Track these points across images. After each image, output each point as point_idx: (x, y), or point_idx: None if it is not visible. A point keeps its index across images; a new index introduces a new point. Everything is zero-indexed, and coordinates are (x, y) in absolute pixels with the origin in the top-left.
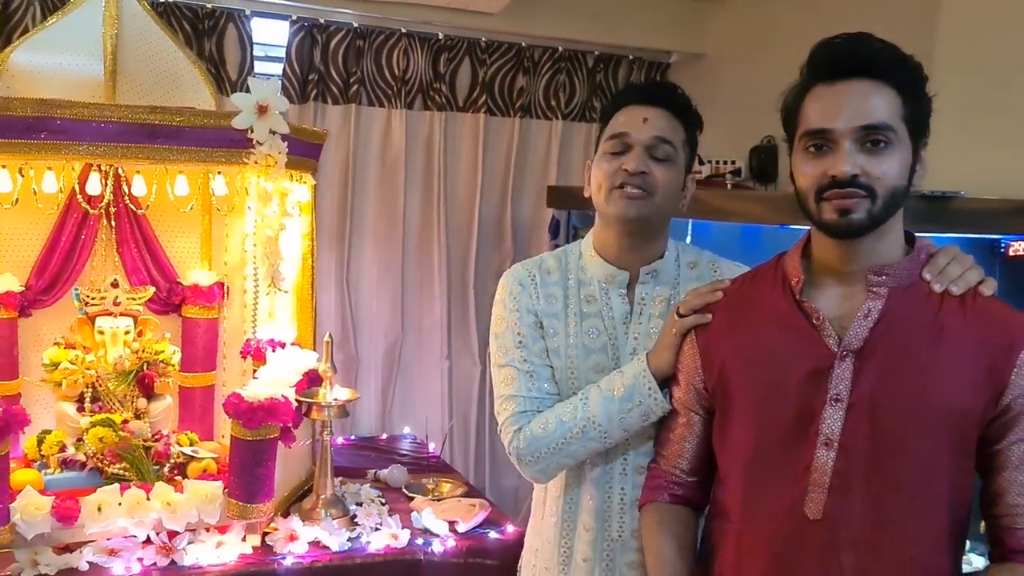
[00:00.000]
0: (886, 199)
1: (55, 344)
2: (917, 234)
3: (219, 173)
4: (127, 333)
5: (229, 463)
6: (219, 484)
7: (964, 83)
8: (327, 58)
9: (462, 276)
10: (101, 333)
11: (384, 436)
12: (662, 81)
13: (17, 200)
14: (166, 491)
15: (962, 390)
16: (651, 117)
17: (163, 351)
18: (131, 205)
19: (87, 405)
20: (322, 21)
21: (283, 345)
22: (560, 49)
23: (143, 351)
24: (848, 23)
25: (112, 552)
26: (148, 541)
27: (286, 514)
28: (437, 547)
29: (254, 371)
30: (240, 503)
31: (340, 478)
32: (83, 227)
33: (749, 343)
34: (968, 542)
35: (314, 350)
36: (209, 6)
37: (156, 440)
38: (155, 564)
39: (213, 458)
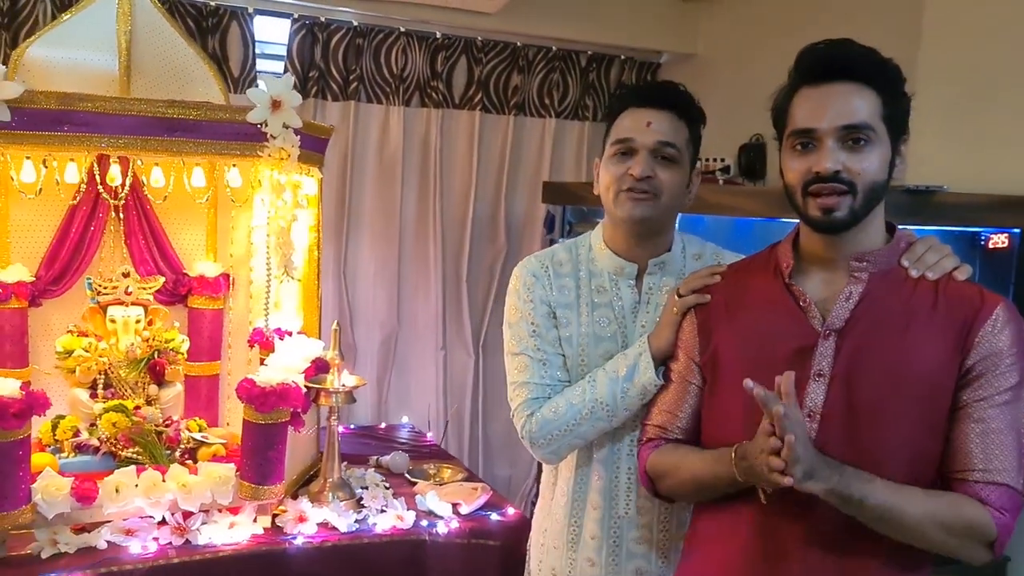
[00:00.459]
0: (866, 193)
1: (68, 332)
2: (901, 227)
3: (234, 165)
4: (138, 322)
5: (241, 446)
6: (232, 466)
7: (946, 85)
8: (327, 56)
9: (456, 270)
10: (113, 322)
11: (383, 425)
12: (664, 82)
13: (41, 190)
14: (181, 473)
15: (932, 363)
16: (655, 121)
17: (173, 339)
18: (150, 195)
19: (100, 391)
20: (323, 19)
21: (290, 334)
22: (554, 49)
23: (153, 339)
24: (834, 25)
25: (129, 532)
26: (163, 522)
27: (295, 497)
28: (441, 528)
29: (261, 360)
30: (252, 485)
31: (344, 463)
32: (92, 219)
33: (743, 322)
34: None
35: (319, 339)
36: (213, 4)
37: (167, 426)
38: (170, 543)
39: (222, 443)
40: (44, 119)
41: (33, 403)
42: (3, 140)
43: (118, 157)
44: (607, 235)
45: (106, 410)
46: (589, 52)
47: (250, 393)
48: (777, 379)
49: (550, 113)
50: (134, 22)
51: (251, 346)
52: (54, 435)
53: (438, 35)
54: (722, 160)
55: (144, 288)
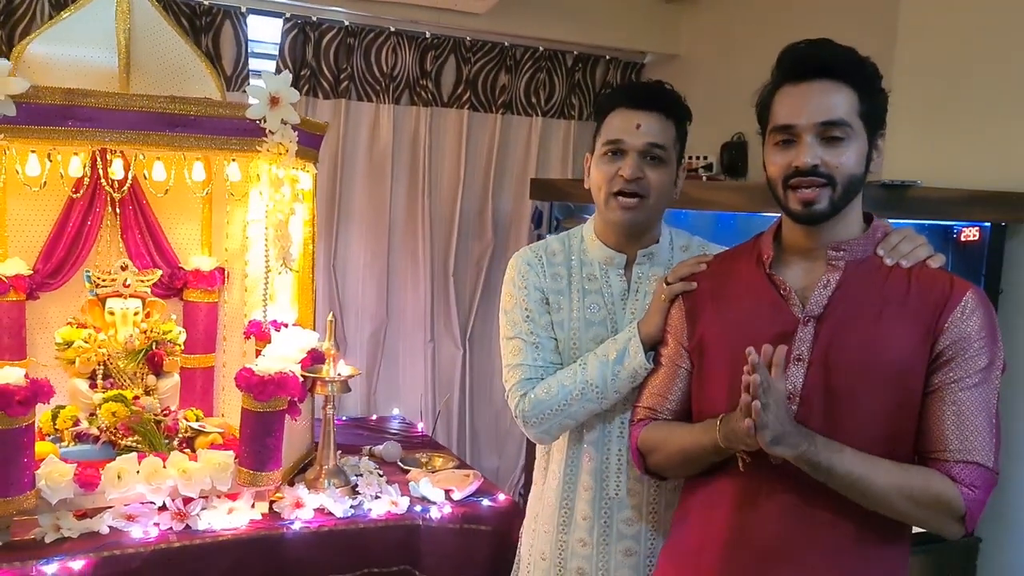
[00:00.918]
0: (844, 186)
1: (67, 324)
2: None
3: (233, 160)
4: (136, 314)
5: (240, 433)
6: (230, 453)
7: (921, 84)
8: (319, 54)
9: (444, 265)
10: (111, 314)
11: (374, 417)
12: (652, 82)
13: (45, 183)
14: (181, 459)
15: (905, 347)
16: (643, 123)
17: (170, 331)
18: (151, 189)
19: (99, 382)
20: (314, 19)
21: (286, 325)
22: (541, 49)
23: (151, 331)
24: (813, 26)
25: (130, 517)
26: (163, 507)
27: (291, 484)
28: (435, 513)
29: (257, 351)
30: (251, 471)
31: (339, 452)
32: (89, 213)
33: (727, 309)
34: None
35: (314, 331)
36: (206, 3)
37: (165, 415)
38: (171, 528)
39: (219, 432)
40: (49, 114)
41: (38, 391)
42: (9, 134)
43: (119, 152)
44: (598, 228)
45: (105, 400)
46: (575, 52)
47: (249, 382)
48: (767, 348)
49: (537, 112)
50: (133, 20)
51: (247, 338)
52: (54, 424)
53: (427, 35)
54: (705, 158)
55: (142, 281)
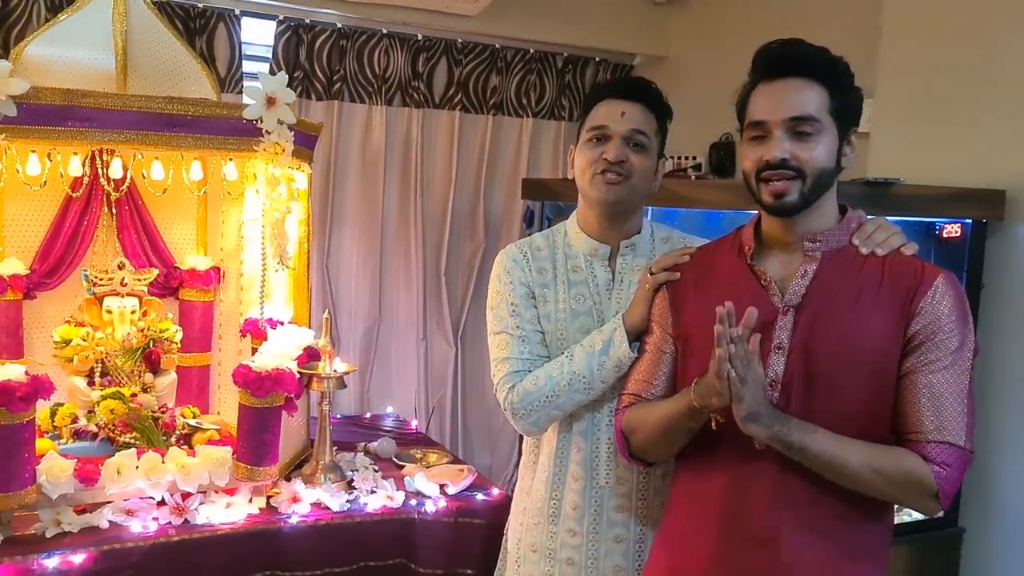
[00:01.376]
0: (814, 179)
1: (65, 322)
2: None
3: (230, 160)
4: (133, 312)
5: (237, 429)
6: (228, 449)
7: (904, 83)
8: (312, 56)
9: (436, 264)
10: (109, 312)
11: (368, 415)
12: (637, 77)
13: (45, 182)
14: (179, 455)
15: (880, 333)
16: (628, 111)
17: (167, 329)
18: (150, 188)
19: (97, 380)
20: (307, 21)
21: (281, 323)
22: (531, 51)
23: (148, 329)
24: (799, 28)
25: (130, 512)
26: (162, 502)
27: (288, 479)
28: (430, 507)
29: (253, 349)
30: (248, 466)
31: (335, 448)
32: (86, 214)
33: (709, 298)
34: None
35: (310, 328)
36: (200, 5)
37: (163, 412)
38: (170, 523)
39: (216, 429)
40: (48, 114)
41: (39, 387)
42: (10, 134)
43: (114, 152)
44: (581, 218)
45: (104, 397)
46: (565, 54)
47: (246, 378)
48: (751, 310)
49: (527, 113)
50: (129, 22)
51: (243, 336)
52: (53, 422)
53: (419, 37)
54: (694, 158)
55: (139, 280)
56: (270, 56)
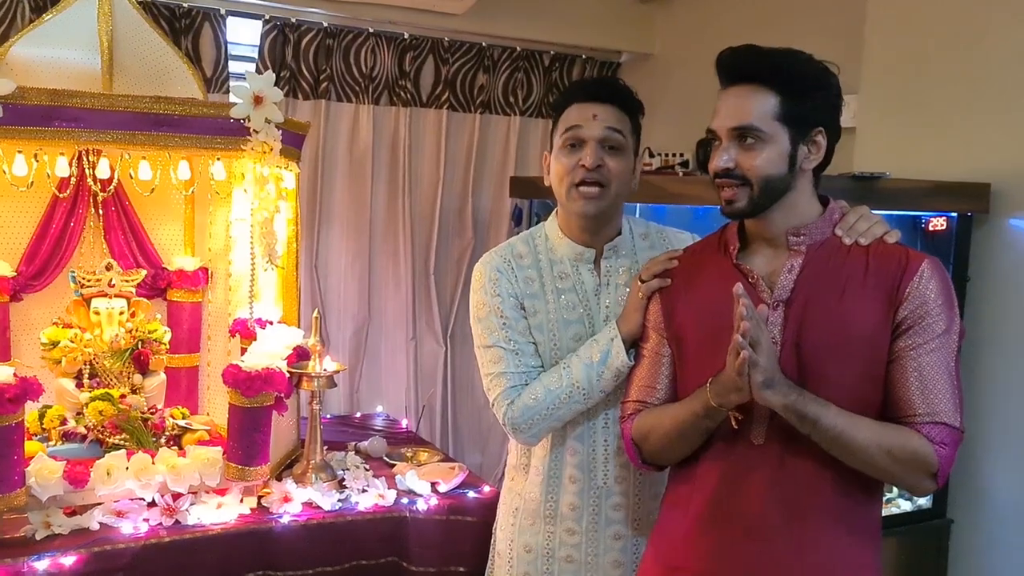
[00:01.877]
0: (761, 186)
1: (53, 324)
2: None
3: (218, 159)
4: (121, 313)
5: (228, 429)
6: (219, 449)
7: (889, 79)
8: (298, 56)
9: (425, 263)
10: (97, 313)
11: (358, 414)
12: (605, 77)
13: (32, 183)
14: (170, 455)
15: (869, 321)
16: (600, 113)
17: (156, 330)
18: (138, 188)
19: (85, 381)
20: (293, 21)
21: (271, 323)
22: (518, 49)
23: (136, 330)
24: (783, 26)
25: (120, 513)
26: (153, 503)
27: (279, 479)
28: (421, 505)
29: (242, 349)
30: (239, 466)
31: (325, 447)
32: (72, 215)
33: (699, 299)
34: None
35: (299, 328)
36: (186, 5)
37: (152, 413)
38: (160, 524)
39: (206, 430)
40: (34, 115)
41: (27, 389)
42: None
43: (97, 152)
44: (562, 223)
45: (92, 399)
46: (552, 52)
47: (236, 378)
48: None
49: (515, 111)
50: (115, 22)
51: (232, 335)
52: (41, 424)
53: (406, 36)
54: (681, 155)
55: (127, 281)
56: (256, 56)
